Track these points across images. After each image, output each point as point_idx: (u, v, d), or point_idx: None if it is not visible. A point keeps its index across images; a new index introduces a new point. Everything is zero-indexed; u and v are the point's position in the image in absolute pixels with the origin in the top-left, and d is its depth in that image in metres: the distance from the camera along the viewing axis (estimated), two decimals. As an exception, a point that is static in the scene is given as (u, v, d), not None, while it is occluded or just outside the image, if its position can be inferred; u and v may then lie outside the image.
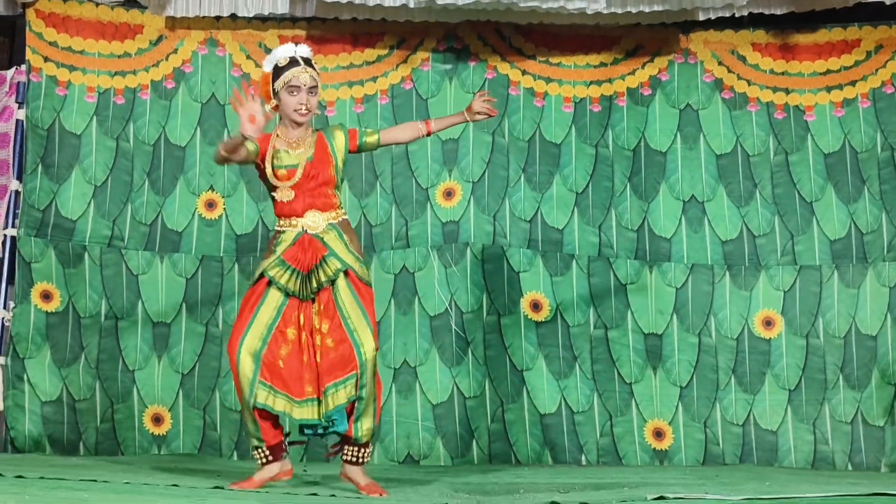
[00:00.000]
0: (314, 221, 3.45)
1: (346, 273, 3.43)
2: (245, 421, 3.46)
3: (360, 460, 3.43)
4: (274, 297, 3.42)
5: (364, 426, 3.39)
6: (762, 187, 5.19)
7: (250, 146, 3.45)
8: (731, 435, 4.96)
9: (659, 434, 4.98)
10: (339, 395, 3.36)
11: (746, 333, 5.05)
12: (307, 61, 3.50)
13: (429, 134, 3.66)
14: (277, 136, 3.53)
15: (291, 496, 3.19)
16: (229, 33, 5.25)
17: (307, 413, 3.40)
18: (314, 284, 3.41)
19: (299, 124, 3.50)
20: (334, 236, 3.46)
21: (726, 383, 5.00)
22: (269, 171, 3.46)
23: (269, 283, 3.44)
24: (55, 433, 4.83)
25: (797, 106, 5.24)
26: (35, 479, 3.28)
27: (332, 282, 3.42)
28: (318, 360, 3.39)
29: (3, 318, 4.91)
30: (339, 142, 3.54)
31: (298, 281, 3.42)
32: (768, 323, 5.06)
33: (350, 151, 3.57)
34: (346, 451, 3.43)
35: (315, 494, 3.25)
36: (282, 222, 3.51)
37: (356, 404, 3.38)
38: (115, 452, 4.85)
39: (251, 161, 3.51)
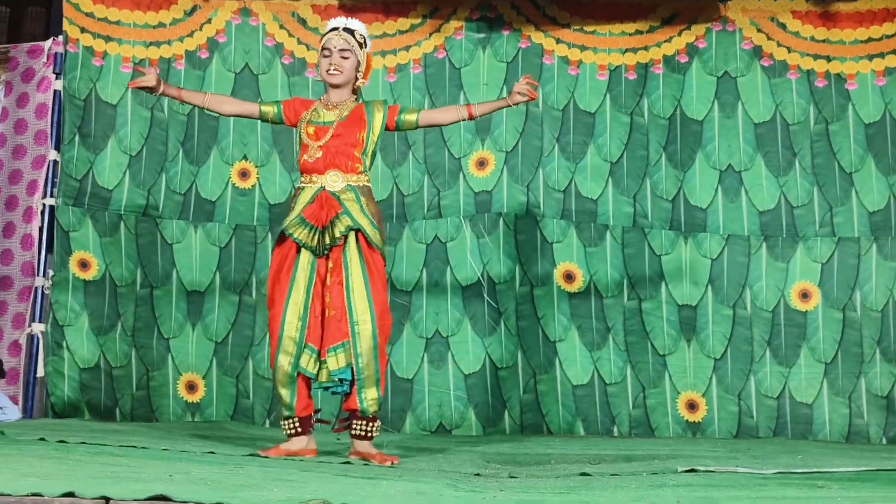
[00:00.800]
0: (334, 180, 3.50)
1: (357, 235, 3.45)
2: (278, 388, 3.49)
3: (370, 434, 3.44)
4: (305, 259, 3.47)
5: (368, 397, 3.41)
6: (801, 157, 5.10)
7: (268, 108, 3.61)
8: (765, 408, 4.92)
9: (692, 406, 4.96)
10: (339, 359, 3.40)
11: (782, 306, 4.99)
12: (347, 29, 3.56)
13: (471, 118, 3.64)
14: (320, 101, 3.62)
15: (326, 464, 3.23)
16: (262, 3, 5.25)
17: (325, 375, 3.44)
18: (327, 240, 3.45)
19: (334, 86, 3.55)
20: (351, 197, 3.48)
21: (761, 356, 4.96)
22: (300, 129, 3.55)
23: (299, 248, 3.49)
24: (93, 399, 4.92)
25: (838, 74, 5.13)
26: (76, 445, 3.35)
27: (345, 238, 3.44)
28: (329, 315, 3.45)
29: (42, 286, 4.99)
30: (378, 114, 3.57)
31: (315, 237, 3.46)
32: (805, 295, 5.00)
33: (387, 128, 3.59)
34: (354, 426, 3.45)
35: (349, 463, 3.29)
36: (303, 178, 3.56)
37: (356, 376, 3.40)
38: (150, 419, 4.94)
39: (268, 121, 3.65)
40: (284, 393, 3.45)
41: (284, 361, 3.43)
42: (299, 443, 3.48)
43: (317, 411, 3.56)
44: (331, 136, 3.50)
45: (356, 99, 3.61)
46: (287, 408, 3.47)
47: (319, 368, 3.45)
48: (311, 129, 3.52)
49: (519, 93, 3.53)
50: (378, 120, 3.56)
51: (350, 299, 3.41)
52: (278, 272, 3.50)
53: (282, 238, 3.55)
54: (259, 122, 5.10)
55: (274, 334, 3.46)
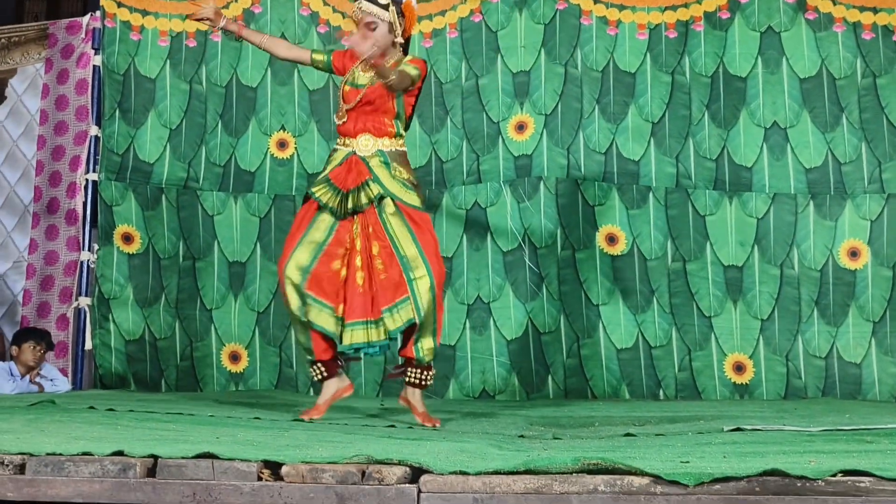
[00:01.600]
0: (365, 145, 3.49)
1: (394, 201, 3.43)
2: (296, 335, 3.52)
3: (424, 382, 3.45)
4: (324, 218, 3.47)
5: (424, 346, 3.39)
6: (849, 112, 4.97)
7: (319, 56, 3.63)
8: (813, 368, 4.85)
9: (739, 368, 4.90)
10: (396, 318, 3.37)
11: (831, 264, 4.90)
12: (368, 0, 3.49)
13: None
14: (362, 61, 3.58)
15: (370, 427, 3.24)
16: (297, -28, 5.23)
17: (358, 336, 3.40)
18: (350, 204, 3.44)
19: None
20: (379, 162, 3.47)
21: (809, 316, 4.87)
22: (342, 90, 3.55)
23: (320, 208, 3.49)
24: (139, 371, 5.00)
25: (886, 26, 4.99)
26: (125, 413, 3.40)
27: (377, 203, 3.42)
28: (367, 283, 3.41)
29: (88, 260, 5.06)
30: (407, 61, 3.50)
31: (338, 199, 3.45)
32: (854, 253, 4.90)
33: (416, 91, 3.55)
34: (409, 373, 3.45)
35: (393, 426, 3.29)
36: (338, 141, 3.58)
37: (415, 327, 3.37)
38: (195, 389, 5.00)
39: (319, 68, 3.65)
40: (302, 338, 3.48)
41: (293, 307, 3.42)
42: (330, 387, 3.49)
43: (340, 353, 3.50)
44: (359, 101, 3.48)
45: (399, 59, 3.53)
46: (308, 352, 3.49)
47: (350, 334, 3.40)
48: (346, 89, 3.52)
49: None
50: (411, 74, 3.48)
51: (403, 259, 3.38)
52: (295, 229, 3.52)
53: (306, 198, 3.57)
54: (296, 91, 5.17)
55: (282, 280, 3.45)
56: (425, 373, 3.45)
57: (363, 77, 3.53)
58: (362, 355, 3.63)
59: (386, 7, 3.51)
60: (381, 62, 3.40)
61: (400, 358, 3.54)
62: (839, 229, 4.91)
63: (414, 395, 3.46)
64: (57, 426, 2.84)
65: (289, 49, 3.77)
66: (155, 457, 2.16)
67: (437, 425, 3.35)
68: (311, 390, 4.96)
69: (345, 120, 3.51)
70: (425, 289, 3.36)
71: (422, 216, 3.47)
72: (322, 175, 3.54)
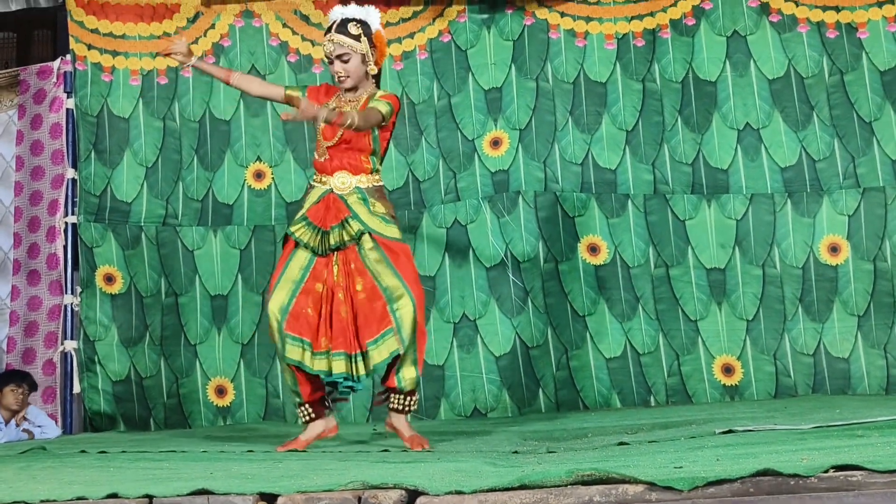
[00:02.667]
0: (342, 182, 3.50)
1: (371, 236, 3.45)
2: (284, 375, 3.55)
3: (406, 408, 3.47)
4: (301, 256, 3.48)
5: (406, 376, 3.41)
6: (819, 110, 5.03)
7: (292, 93, 3.62)
8: (801, 365, 4.86)
9: (728, 370, 4.92)
10: (381, 352, 3.38)
11: (812, 261, 4.93)
12: (340, 27, 3.49)
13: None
14: (340, 95, 3.58)
15: (364, 454, 3.23)
16: (264, 4, 5.25)
17: (339, 367, 3.41)
18: (331, 242, 3.46)
19: (346, 89, 3.55)
20: (357, 199, 3.48)
21: (794, 313, 4.90)
22: (318, 127, 3.54)
23: (297, 245, 3.51)
24: (127, 411, 4.96)
25: (849, 23, 5.06)
26: (117, 454, 3.38)
27: (356, 241, 3.45)
28: (349, 317, 3.43)
29: (72, 304, 5.04)
30: (384, 109, 3.49)
31: (317, 237, 3.47)
32: (834, 249, 4.94)
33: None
34: (391, 399, 3.47)
35: (387, 451, 3.29)
36: (315, 177, 3.59)
37: (398, 358, 3.39)
38: (183, 426, 4.97)
39: (293, 105, 3.60)
40: (289, 380, 3.49)
41: (277, 346, 3.45)
42: (316, 427, 3.50)
43: (329, 393, 3.54)
44: (339, 139, 3.48)
45: (372, 92, 3.54)
46: (296, 394, 3.50)
47: (329, 365, 3.41)
48: (324, 126, 3.49)
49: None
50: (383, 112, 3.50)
51: (385, 290, 3.40)
52: (276, 270, 3.55)
53: (286, 239, 3.58)
54: (270, 121, 5.18)
55: (270, 323, 3.48)
56: (408, 398, 3.46)
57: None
58: (350, 396, 3.65)
59: (357, 38, 3.50)
60: (339, 118, 3.38)
61: (382, 386, 3.55)
62: (818, 226, 4.95)
63: (399, 421, 3.48)
64: (49, 472, 2.83)
65: (262, 86, 3.77)
66: (150, 496, 2.16)
67: (427, 447, 3.36)
68: (299, 420, 4.93)
69: (326, 157, 3.52)
70: (408, 316, 3.38)
71: (401, 247, 3.49)
72: (300, 214, 3.55)
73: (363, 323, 3.41)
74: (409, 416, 3.51)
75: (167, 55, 3.68)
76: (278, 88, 3.70)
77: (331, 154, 3.51)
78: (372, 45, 3.52)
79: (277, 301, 3.44)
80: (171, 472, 2.70)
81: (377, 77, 3.60)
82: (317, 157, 3.56)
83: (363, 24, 3.52)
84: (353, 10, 3.54)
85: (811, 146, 5.01)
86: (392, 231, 3.49)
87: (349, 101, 3.54)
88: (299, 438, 3.49)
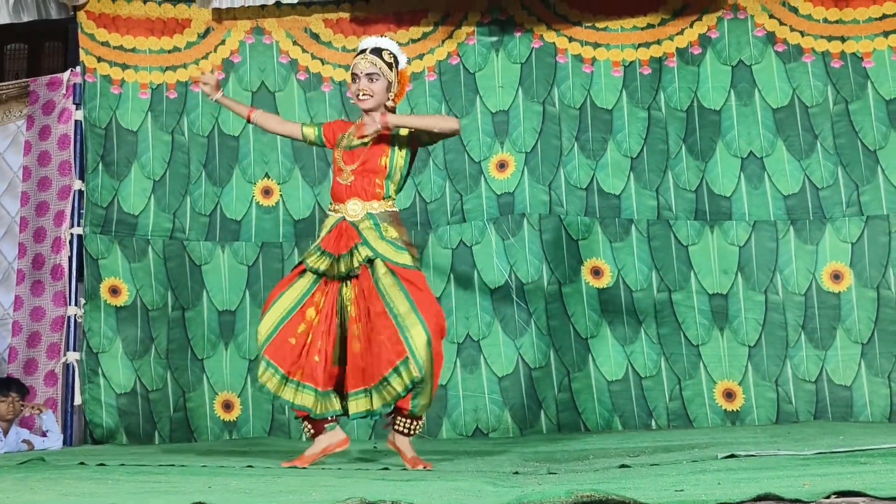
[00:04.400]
0: (353, 210, 3.50)
1: (384, 263, 3.43)
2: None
3: (411, 432, 3.48)
4: (302, 284, 3.49)
5: (420, 402, 3.41)
6: (823, 138, 5.06)
7: (309, 130, 3.65)
8: (803, 392, 4.87)
9: (729, 395, 4.92)
10: (404, 378, 3.33)
11: (815, 288, 4.95)
12: (375, 50, 3.53)
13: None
14: (357, 123, 3.62)
15: (363, 471, 3.22)
16: (275, 21, 5.29)
17: (358, 406, 3.40)
18: (342, 268, 3.46)
19: (365, 111, 3.54)
20: (369, 226, 3.47)
21: (796, 340, 4.91)
22: (336, 154, 3.57)
23: (304, 271, 3.52)
24: (131, 424, 4.95)
25: (854, 53, 5.10)
26: (116, 466, 3.37)
27: (370, 266, 3.44)
28: (364, 349, 3.41)
29: (75, 315, 5.04)
30: (402, 136, 3.54)
31: (330, 263, 3.48)
32: (836, 276, 4.95)
33: (420, 144, 3.59)
34: (398, 422, 3.47)
35: (387, 469, 3.28)
36: (331, 205, 3.59)
37: (417, 383, 3.36)
38: (189, 440, 4.97)
39: (310, 141, 3.68)
40: (285, 403, 3.53)
41: (263, 378, 3.46)
42: (321, 442, 3.49)
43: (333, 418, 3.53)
44: (359, 164, 3.50)
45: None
46: (294, 411, 3.52)
47: (349, 404, 3.41)
48: (341, 153, 3.53)
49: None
50: (404, 140, 3.54)
51: (397, 318, 3.35)
52: (276, 289, 3.55)
53: (299, 265, 3.59)
54: (279, 138, 5.21)
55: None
56: (414, 423, 3.47)
57: (356, 140, 3.55)
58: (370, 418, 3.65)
59: (390, 66, 3.54)
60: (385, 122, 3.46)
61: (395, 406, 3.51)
62: (820, 253, 4.97)
63: (402, 442, 3.47)
64: (47, 484, 2.81)
65: (280, 124, 3.80)
66: (146, 509, 2.15)
67: (429, 468, 3.35)
68: (304, 436, 4.92)
69: (352, 180, 3.51)
70: (422, 344, 3.33)
71: (414, 274, 3.45)
72: (315, 243, 3.55)
73: (380, 351, 3.37)
74: (414, 434, 3.50)
75: (195, 83, 3.71)
76: (295, 126, 3.72)
77: (356, 176, 3.51)
78: (397, 79, 3.57)
79: (266, 324, 3.46)
80: (169, 486, 2.68)
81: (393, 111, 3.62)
82: (340, 181, 3.53)
83: (395, 57, 3.57)
84: (388, 43, 3.59)
85: (814, 174, 5.04)
86: (403, 258, 3.46)
87: (366, 126, 3.53)
88: (304, 455, 3.48)
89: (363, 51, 3.54)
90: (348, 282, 3.47)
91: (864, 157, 5.03)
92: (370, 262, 3.44)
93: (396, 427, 3.48)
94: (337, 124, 3.66)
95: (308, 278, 3.49)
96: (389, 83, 3.52)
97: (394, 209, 3.55)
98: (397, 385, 3.34)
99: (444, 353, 4.88)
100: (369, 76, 3.50)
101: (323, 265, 3.47)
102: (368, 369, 3.39)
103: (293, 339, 3.43)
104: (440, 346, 3.43)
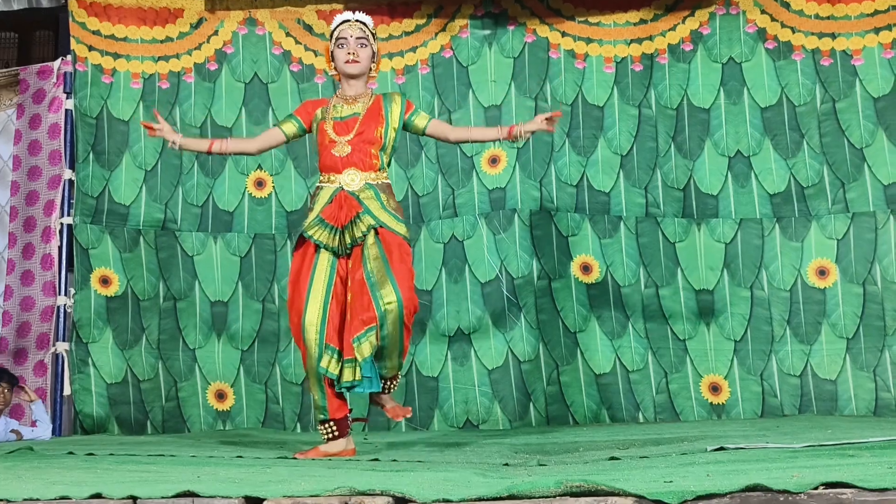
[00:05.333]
0: (351, 179, 3.45)
1: (376, 232, 3.41)
2: (312, 392, 3.47)
3: (387, 390, 3.50)
4: (324, 261, 3.45)
5: (387, 365, 3.41)
6: (809, 137, 5.10)
7: (287, 126, 3.58)
8: (788, 386, 4.92)
9: (715, 388, 4.96)
10: (364, 348, 3.34)
11: (800, 284, 4.99)
12: (359, 21, 3.52)
13: (472, 140, 3.79)
14: (336, 96, 3.58)
15: (353, 461, 3.24)
16: (268, 12, 5.29)
17: (347, 375, 3.38)
18: (348, 240, 3.42)
19: (351, 76, 3.51)
20: (370, 195, 3.44)
21: (781, 335, 4.96)
22: (316, 126, 3.52)
23: (318, 248, 3.46)
24: (122, 413, 4.95)
25: (844, 51, 5.13)
26: (105, 456, 3.38)
27: (364, 237, 3.42)
28: (348, 316, 3.40)
29: (64, 305, 5.03)
30: (396, 108, 3.53)
31: (336, 237, 3.43)
32: (822, 272, 5.00)
33: (409, 129, 3.58)
34: None
35: (377, 460, 3.29)
36: (322, 178, 3.53)
37: (379, 350, 3.36)
38: (182, 430, 4.97)
39: (296, 136, 3.62)
40: (317, 396, 3.44)
41: (312, 361, 3.40)
42: (338, 445, 3.46)
43: (350, 410, 3.54)
44: (355, 133, 3.45)
45: (373, 93, 3.57)
46: (321, 411, 3.44)
47: (342, 369, 3.39)
48: (333, 125, 3.47)
49: (530, 132, 3.51)
50: (396, 114, 3.52)
51: (373, 287, 3.34)
52: (297, 274, 3.47)
53: (301, 241, 3.52)
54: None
55: (298, 338, 3.44)
56: (389, 382, 3.48)
57: (346, 108, 3.52)
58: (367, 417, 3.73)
59: (374, 37, 3.56)
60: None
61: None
62: (806, 250, 5.02)
63: (382, 398, 3.52)
64: (35, 472, 2.81)
65: (254, 141, 3.69)
66: (134, 497, 2.14)
67: (408, 415, 3.46)
68: (298, 427, 4.96)
69: (348, 151, 3.45)
70: (393, 316, 3.33)
71: (403, 245, 3.44)
72: (313, 215, 3.48)
73: (350, 317, 3.37)
74: (391, 392, 3.52)
75: (150, 131, 3.59)
76: (271, 133, 3.62)
77: (352, 147, 3.46)
78: (377, 55, 3.58)
79: (314, 311, 3.39)
80: (158, 475, 2.69)
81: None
82: (334, 152, 3.46)
83: (374, 34, 3.59)
84: (368, 18, 3.57)
85: (800, 174, 5.08)
86: (401, 228, 3.45)
87: (351, 100, 3.50)
88: (318, 448, 3.45)
89: (346, 20, 3.52)
90: (349, 251, 3.44)
91: (851, 154, 5.07)
92: (369, 231, 3.41)
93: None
94: (308, 104, 3.61)
95: (325, 256, 3.44)
96: (373, 53, 3.53)
97: (388, 180, 3.54)
98: (358, 354, 3.32)
99: (436, 346, 4.97)
100: (359, 40, 3.48)
101: (325, 237, 3.42)
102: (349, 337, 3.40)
103: (338, 317, 3.42)
104: (410, 320, 3.39)
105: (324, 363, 3.39)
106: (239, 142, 3.75)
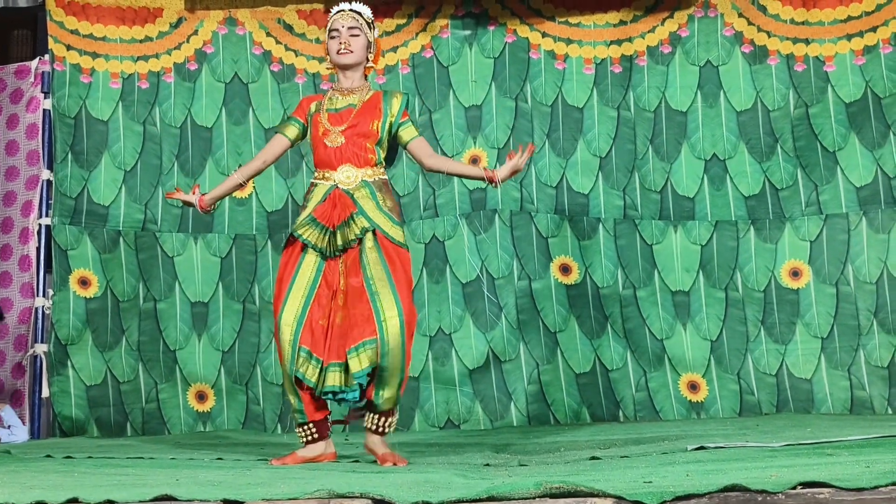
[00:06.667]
0: (347, 176, 3.31)
1: (374, 234, 3.27)
2: (287, 394, 3.35)
3: (382, 430, 3.27)
4: (310, 261, 3.29)
5: (385, 395, 3.21)
6: (783, 141, 5.17)
7: (289, 129, 3.46)
8: (765, 385, 4.98)
9: (693, 387, 5.01)
10: (362, 360, 3.18)
11: (773, 285, 5.06)
12: (353, 10, 3.42)
13: (449, 173, 3.63)
14: (332, 89, 3.48)
15: (333, 464, 3.24)
16: (248, 11, 5.27)
17: (334, 380, 3.22)
18: (339, 242, 3.27)
19: (345, 66, 3.40)
20: (365, 194, 3.29)
21: (756, 335, 5.02)
22: (319, 118, 3.38)
23: (305, 247, 3.31)
24: (102, 416, 4.92)
25: (817, 57, 5.19)
26: (83, 459, 3.36)
27: (360, 240, 3.27)
28: (339, 321, 3.25)
29: (43, 307, 4.99)
30: (395, 104, 3.40)
31: (326, 238, 3.28)
32: (795, 273, 5.06)
33: (395, 138, 3.43)
34: (368, 420, 3.29)
35: (357, 461, 3.30)
36: (316, 174, 3.39)
37: (379, 372, 3.20)
38: (162, 431, 4.95)
39: (300, 138, 3.49)
40: (293, 399, 3.29)
41: (285, 361, 3.24)
42: (316, 448, 3.31)
43: (330, 413, 3.40)
44: (348, 124, 3.32)
45: (371, 88, 3.45)
46: (299, 413, 3.29)
47: (324, 377, 3.22)
48: (327, 116, 3.35)
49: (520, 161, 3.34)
50: (394, 111, 3.38)
51: (374, 296, 3.19)
52: (282, 274, 3.35)
53: (290, 239, 3.36)
54: (252, 129, 5.19)
55: (276, 338, 3.33)
56: (383, 419, 3.26)
57: (341, 100, 3.40)
58: (346, 412, 3.51)
59: (370, 25, 3.45)
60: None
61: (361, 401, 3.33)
62: (780, 251, 5.08)
63: (374, 441, 3.29)
64: (11, 476, 2.79)
65: (266, 153, 3.51)
66: (111, 501, 2.13)
67: (404, 464, 3.19)
68: (279, 428, 4.94)
69: (342, 142, 3.32)
70: (395, 331, 3.17)
71: (401, 253, 3.30)
72: (305, 213, 3.33)
73: (347, 327, 3.21)
74: (386, 437, 3.31)
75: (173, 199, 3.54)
76: (276, 140, 3.48)
77: (346, 138, 3.31)
78: (375, 43, 3.46)
79: (292, 312, 3.23)
80: (137, 479, 2.67)
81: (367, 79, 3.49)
82: (328, 143, 3.32)
83: (371, 22, 3.48)
84: (364, 7, 3.46)
85: (774, 176, 5.14)
86: (397, 234, 3.29)
87: (347, 92, 3.39)
88: (295, 454, 3.30)
89: (341, 10, 3.43)
90: (339, 253, 3.27)
91: (824, 157, 5.13)
92: (365, 233, 3.25)
93: (367, 425, 3.30)
94: (303, 101, 3.50)
95: (311, 257, 3.28)
96: (369, 43, 3.41)
97: (385, 177, 3.38)
98: (354, 365, 3.17)
99: (417, 346, 4.95)
100: (351, 30, 3.37)
101: (314, 237, 3.26)
102: (343, 344, 3.23)
103: (322, 321, 3.24)
104: (410, 341, 3.26)
105: (297, 365, 3.23)
106: (251, 165, 3.54)
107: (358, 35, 3.40)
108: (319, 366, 3.25)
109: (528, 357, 4.99)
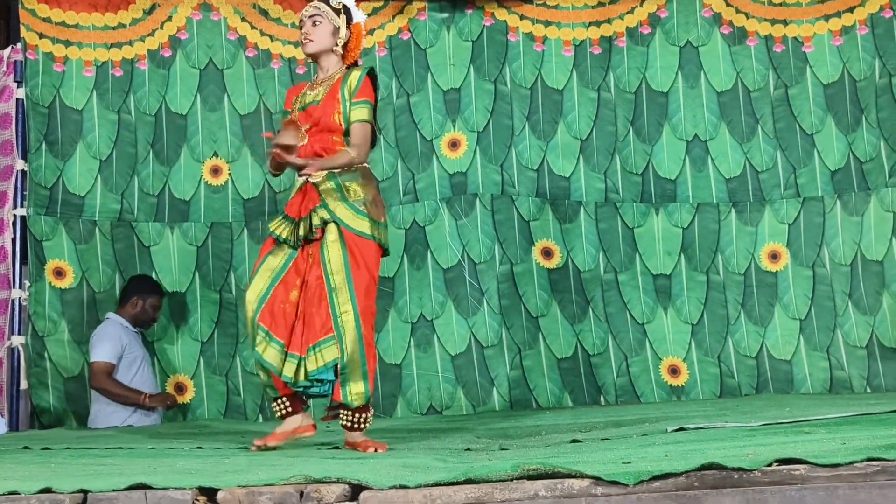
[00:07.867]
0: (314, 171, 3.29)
1: (337, 227, 3.23)
2: (257, 370, 3.35)
3: (358, 426, 3.22)
4: (283, 248, 3.29)
5: (353, 391, 3.17)
6: (763, 122, 5.17)
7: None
8: (745, 367, 4.99)
9: (674, 371, 5.02)
10: (319, 359, 3.18)
11: (753, 268, 5.07)
12: None
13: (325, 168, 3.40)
14: (311, 82, 3.47)
15: (315, 449, 3.22)
16: (222, -3, 5.22)
17: (290, 370, 3.20)
18: (301, 232, 3.26)
19: (310, 56, 3.42)
20: (330, 187, 3.27)
21: (736, 318, 5.03)
22: (295, 116, 3.36)
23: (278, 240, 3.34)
24: (80, 408, 4.88)
25: (795, 37, 5.19)
26: (61, 450, 3.33)
27: (324, 232, 3.24)
28: (301, 313, 3.24)
29: (19, 298, 4.95)
30: (353, 83, 3.35)
31: (291, 229, 3.28)
32: (774, 256, 5.08)
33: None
34: (342, 417, 3.23)
35: (337, 448, 3.28)
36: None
37: (340, 369, 3.18)
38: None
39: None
40: (262, 375, 3.29)
41: (249, 339, 3.26)
42: (293, 422, 3.30)
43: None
44: (311, 124, 3.32)
45: (342, 72, 3.39)
46: (270, 388, 3.28)
47: (284, 362, 3.21)
48: (298, 115, 3.34)
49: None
50: (352, 89, 3.33)
51: (332, 293, 3.18)
52: (257, 262, 3.36)
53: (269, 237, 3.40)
54: (227, 115, 5.14)
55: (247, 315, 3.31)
56: (359, 415, 3.20)
57: (309, 95, 3.39)
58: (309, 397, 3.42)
59: (338, 12, 3.41)
60: (316, 164, 3.25)
61: (333, 402, 3.31)
62: (759, 234, 5.10)
63: (353, 437, 3.23)
64: (-14, 468, 2.77)
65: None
66: (85, 491, 2.11)
67: (382, 450, 3.15)
68: (260, 417, 4.92)
69: (305, 142, 3.31)
70: (350, 326, 3.16)
71: (366, 245, 3.24)
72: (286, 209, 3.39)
73: (308, 322, 3.21)
74: (364, 432, 3.25)
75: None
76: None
77: (309, 137, 3.31)
78: (348, 28, 3.42)
79: (255, 290, 3.23)
80: (113, 468, 2.65)
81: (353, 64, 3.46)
82: (298, 142, 3.28)
83: (346, 8, 3.44)
84: None
85: (755, 158, 5.15)
86: (361, 225, 3.24)
87: (316, 85, 3.39)
88: (275, 433, 3.29)
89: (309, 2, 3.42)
90: (300, 244, 3.28)
91: (802, 140, 5.14)
92: (325, 224, 3.23)
93: (342, 423, 3.24)
94: (289, 93, 3.50)
95: (283, 247, 3.29)
96: (336, 28, 3.38)
97: (358, 170, 3.32)
98: (311, 364, 3.17)
99: (398, 333, 4.96)
100: (312, 19, 3.37)
101: (282, 229, 3.27)
102: (301, 337, 3.21)
103: (287, 305, 3.21)
104: (371, 336, 3.23)
105: (260, 348, 3.20)
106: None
107: (320, 22, 3.38)
108: (281, 349, 3.22)
109: (510, 342, 4.97)
